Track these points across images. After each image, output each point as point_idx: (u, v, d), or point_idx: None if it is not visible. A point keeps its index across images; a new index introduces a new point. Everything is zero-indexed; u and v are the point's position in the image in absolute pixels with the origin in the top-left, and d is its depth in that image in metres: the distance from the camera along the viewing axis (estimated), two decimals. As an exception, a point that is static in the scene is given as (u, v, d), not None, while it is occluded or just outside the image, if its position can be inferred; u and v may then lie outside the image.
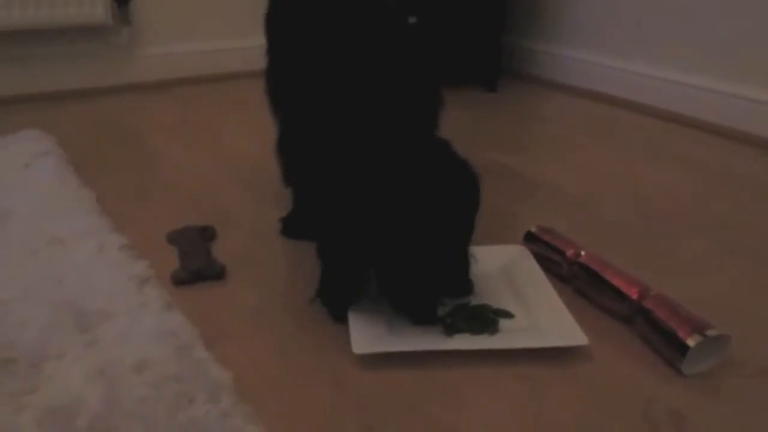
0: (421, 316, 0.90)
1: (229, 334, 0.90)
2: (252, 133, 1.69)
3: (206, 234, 1.15)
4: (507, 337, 0.88)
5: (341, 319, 0.91)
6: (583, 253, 1.02)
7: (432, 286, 0.90)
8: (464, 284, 0.95)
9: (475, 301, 0.94)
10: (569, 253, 1.03)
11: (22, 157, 1.45)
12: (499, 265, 1.04)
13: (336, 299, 0.93)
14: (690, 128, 1.84)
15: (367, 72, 0.97)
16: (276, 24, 1.12)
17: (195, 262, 1.04)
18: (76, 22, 1.94)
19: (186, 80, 2.19)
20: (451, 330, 0.89)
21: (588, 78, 2.16)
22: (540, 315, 0.92)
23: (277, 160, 1.12)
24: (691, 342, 0.82)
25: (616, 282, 0.94)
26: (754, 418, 0.78)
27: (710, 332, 0.83)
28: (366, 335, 0.86)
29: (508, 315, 0.92)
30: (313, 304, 0.95)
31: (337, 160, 0.91)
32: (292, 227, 1.17)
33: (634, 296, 0.91)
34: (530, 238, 1.10)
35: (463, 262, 0.93)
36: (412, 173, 0.85)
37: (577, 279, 1.01)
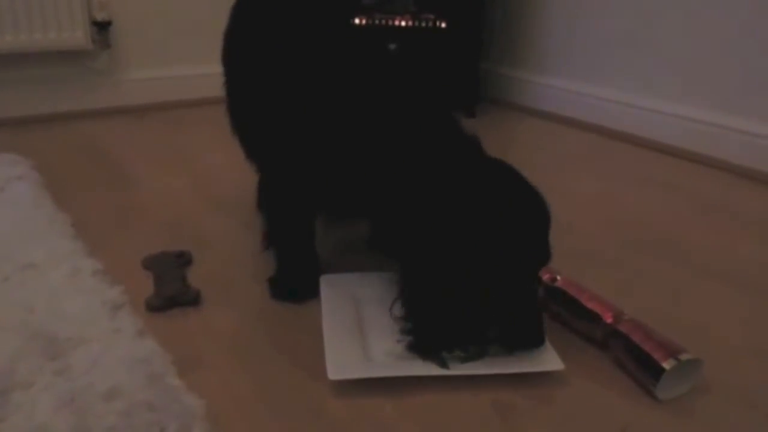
0: (431, 352, 0.87)
1: (202, 361, 0.89)
2: (230, 158, 1.69)
3: (182, 259, 1.14)
4: (484, 363, 0.88)
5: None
6: (559, 277, 1.02)
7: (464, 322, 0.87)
8: (535, 333, 0.87)
9: None
10: (545, 277, 1.03)
11: (-4, 181, 1.44)
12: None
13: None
14: (664, 154, 1.87)
15: (362, 98, 0.92)
16: (240, 53, 1.07)
17: (170, 287, 1.03)
18: (55, 46, 1.94)
19: (165, 105, 2.19)
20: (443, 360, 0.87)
21: (562, 104, 2.19)
22: (516, 340, 0.92)
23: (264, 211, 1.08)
24: (666, 365, 0.82)
25: (590, 306, 0.95)
26: (728, 442, 0.78)
27: (684, 356, 0.84)
28: (341, 361, 0.85)
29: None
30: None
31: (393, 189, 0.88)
32: (285, 289, 1.05)
33: (609, 320, 0.92)
34: (507, 263, 1.10)
35: (530, 303, 0.87)
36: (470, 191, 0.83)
37: (553, 303, 1.01)
